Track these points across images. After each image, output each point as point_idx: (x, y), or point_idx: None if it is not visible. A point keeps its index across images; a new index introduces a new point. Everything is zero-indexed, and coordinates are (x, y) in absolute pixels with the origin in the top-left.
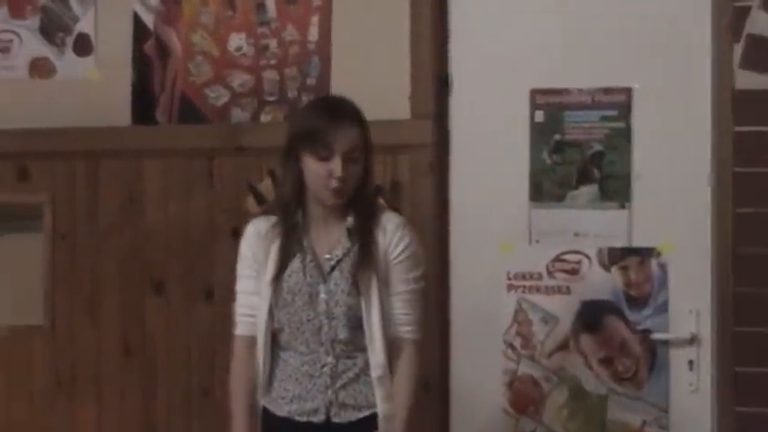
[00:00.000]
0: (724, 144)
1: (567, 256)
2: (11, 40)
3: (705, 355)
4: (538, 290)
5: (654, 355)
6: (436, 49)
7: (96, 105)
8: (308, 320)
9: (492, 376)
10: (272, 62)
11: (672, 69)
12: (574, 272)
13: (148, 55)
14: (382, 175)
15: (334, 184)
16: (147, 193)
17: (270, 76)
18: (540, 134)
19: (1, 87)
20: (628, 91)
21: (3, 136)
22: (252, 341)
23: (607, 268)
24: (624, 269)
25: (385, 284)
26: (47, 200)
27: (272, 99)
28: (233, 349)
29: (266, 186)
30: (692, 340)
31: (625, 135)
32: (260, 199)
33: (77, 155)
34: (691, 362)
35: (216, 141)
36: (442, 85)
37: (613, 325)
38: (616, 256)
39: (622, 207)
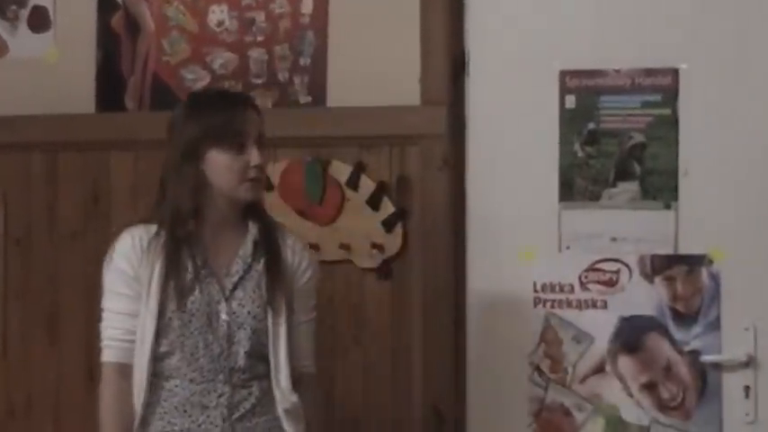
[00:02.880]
0: None
1: (602, 265)
2: None
3: (764, 379)
4: (569, 304)
5: (704, 379)
6: (450, 23)
7: (55, 89)
8: (206, 345)
9: (516, 405)
10: (260, 39)
11: (725, 48)
12: (611, 283)
13: (116, 31)
14: (388, 171)
15: (252, 173)
16: (115, 192)
17: (256, 55)
18: (571, 123)
19: None
20: (674, 72)
21: None
22: (126, 369)
23: (650, 279)
24: (670, 280)
25: (290, 309)
26: None
27: (259, 82)
28: (102, 378)
29: None
30: (749, 363)
31: (670, 124)
32: None
33: (33, 147)
34: (747, 388)
35: None
36: (458, 65)
37: (657, 345)
38: (660, 265)
39: (667, 207)
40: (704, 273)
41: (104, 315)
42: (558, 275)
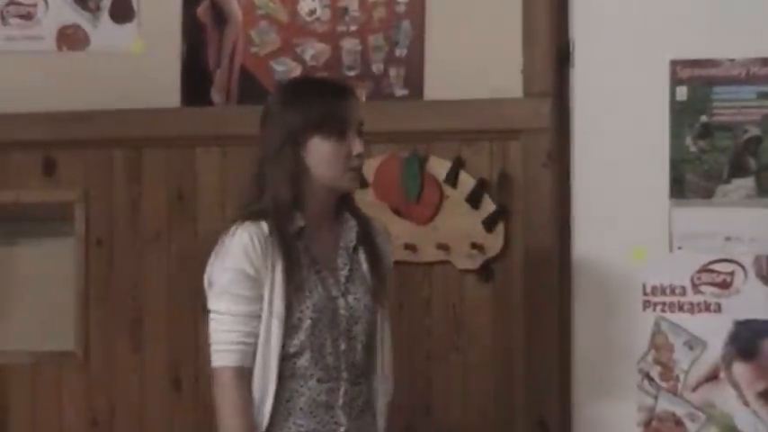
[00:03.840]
0: None
1: (716, 266)
2: (35, 5)
3: None
4: (680, 307)
5: None
6: (554, 10)
7: (138, 83)
8: (332, 343)
9: (624, 415)
10: (353, 28)
11: None
12: (725, 285)
13: (202, 21)
14: (488, 167)
15: (355, 162)
16: (201, 190)
17: (350, 45)
18: (682, 115)
19: (23, 62)
20: None
21: (25, 121)
22: (245, 373)
23: (766, 281)
24: None
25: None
26: (78, 198)
27: (352, 74)
28: (223, 384)
29: None
30: None
31: None
32: None
33: (115, 143)
34: None
35: None
36: (562, 55)
37: None
38: None
39: None
40: None
41: (219, 318)
42: (669, 277)
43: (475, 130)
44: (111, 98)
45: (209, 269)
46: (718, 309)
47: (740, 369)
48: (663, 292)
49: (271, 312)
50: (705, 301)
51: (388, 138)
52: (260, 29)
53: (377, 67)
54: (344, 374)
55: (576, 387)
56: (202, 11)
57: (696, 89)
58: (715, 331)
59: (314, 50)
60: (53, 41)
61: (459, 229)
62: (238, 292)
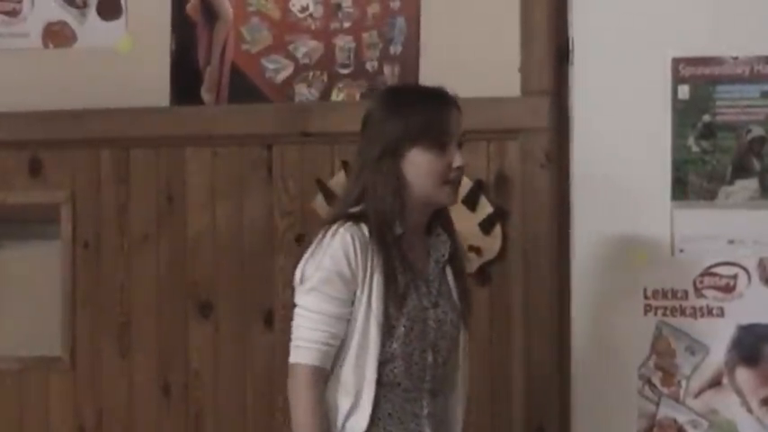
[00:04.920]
0: None
1: (719, 270)
2: (20, 1)
3: None
4: (682, 312)
5: None
6: (553, 8)
7: (126, 81)
8: (421, 353)
9: (625, 422)
10: (346, 25)
11: None
12: (728, 289)
13: (191, 18)
14: (485, 168)
15: (454, 175)
16: (191, 191)
17: (343, 42)
18: (684, 115)
19: (8, 59)
20: None
21: (10, 120)
22: (324, 374)
23: None
24: None
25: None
26: (65, 199)
27: (345, 72)
28: (298, 382)
29: (339, 181)
30: None
31: None
32: (331, 197)
33: (103, 143)
34: None
35: (276, 125)
36: (561, 53)
37: None
38: None
39: None
40: None
41: (306, 314)
42: (671, 281)
43: (471, 129)
44: (99, 97)
45: (302, 264)
46: (721, 313)
47: (743, 375)
48: (664, 296)
49: (368, 317)
50: (708, 306)
51: None
52: (251, 26)
53: (371, 65)
54: (427, 386)
55: (576, 393)
56: (192, 7)
57: (699, 88)
58: (718, 336)
59: (306, 48)
60: (39, 39)
61: (457, 231)
62: (331, 293)
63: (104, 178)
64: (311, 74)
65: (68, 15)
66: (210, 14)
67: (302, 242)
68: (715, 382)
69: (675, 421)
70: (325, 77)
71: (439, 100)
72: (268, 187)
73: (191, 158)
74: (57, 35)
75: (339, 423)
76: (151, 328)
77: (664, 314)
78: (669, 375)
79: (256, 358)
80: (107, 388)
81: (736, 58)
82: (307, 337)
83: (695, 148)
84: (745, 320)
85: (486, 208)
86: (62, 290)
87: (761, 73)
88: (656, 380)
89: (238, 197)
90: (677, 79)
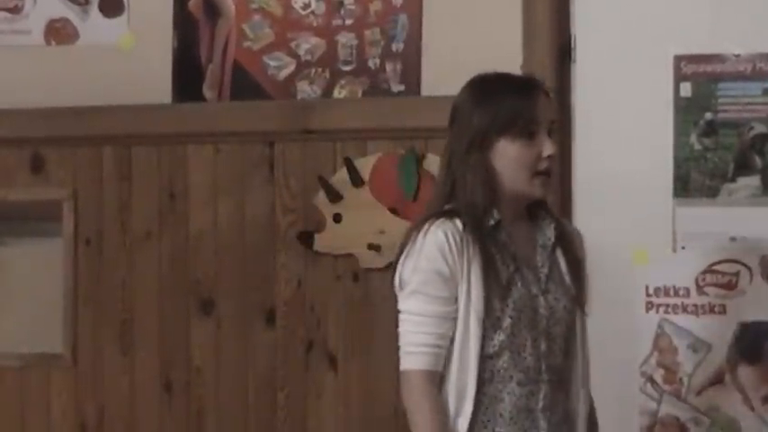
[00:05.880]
0: None
1: (721, 267)
2: None
3: None
4: (684, 309)
5: None
6: (555, 5)
7: (128, 78)
8: (533, 343)
9: (626, 419)
10: (348, 22)
11: None
12: (730, 286)
13: (194, 15)
14: None
15: (544, 165)
16: (193, 188)
17: (345, 39)
18: (686, 112)
19: (10, 56)
20: None
21: (12, 117)
22: (436, 377)
23: None
24: None
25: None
26: (67, 196)
27: (347, 69)
28: (412, 388)
29: (341, 179)
30: None
31: None
32: (333, 195)
33: (105, 140)
34: None
35: (278, 122)
36: (563, 51)
37: None
38: None
39: None
40: None
41: (410, 318)
42: (673, 278)
43: None
44: (101, 94)
45: (399, 268)
46: (723, 310)
47: (745, 372)
48: (666, 294)
49: (468, 311)
50: (710, 303)
51: (384, 135)
52: (253, 23)
53: (373, 62)
54: (545, 376)
55: None
56: (194, 4)
57: (701, 85)
58: (720, 333)
59: (309, 45)
60: (41, 35)
61: None
62: (432, 293)
63: (106, 175)
64: (313, 71)
65: (71, 12)
66: (212, 11)
67: (304, 240)
68: (717, 380)
69: (677, 419)
70: (327, 75)
71: (526, 87)
72: (270, 184)
73: (193, 155)
74: (59, 32)
75: (450, 423)
76: (153, 326)
77: (665, 312)
78: (671, 373)
79: (258, 356)
80: (109, 385)
81: (738, 56)
82: (414, 341)
83: (697, 146)
84: (747, 318)
85: None
86: (64, 287)
87: (763, 70)
88: (657, 377)
89: (240, 194)
90: (679, 77)
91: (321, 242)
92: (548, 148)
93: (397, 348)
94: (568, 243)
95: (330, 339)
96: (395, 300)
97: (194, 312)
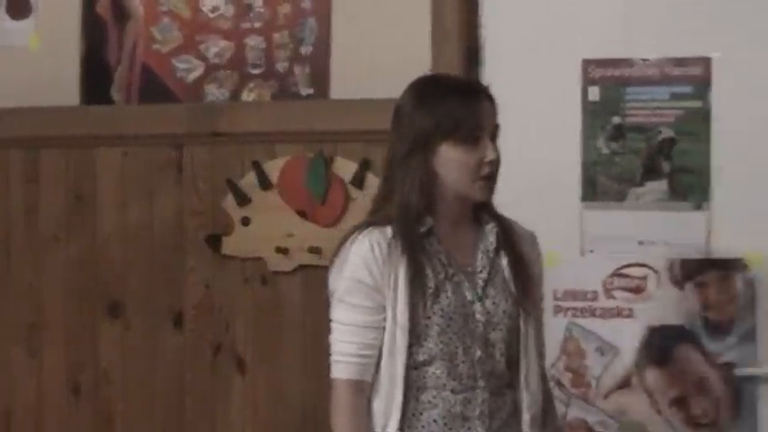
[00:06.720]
0: None
1: (628, 271)
2: None
3: None
4: (592, 313)
5: (738, 394)
6: (464, 8)
7: (36, 80)
8: (465, 350)
9: None
10: (257, 25)
11: (762, 35)
12: (638, 290)
13: (102, 17)
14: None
15: (486, 170)
16: (101, 191)
17: (254, 42)
18: (594, 116)
19: None
20: (706, 62)
21: None
22: (361, 386)
23: (680, 285)
24: (701, 287)
25: (535, 306)
26: None
27: (256, 72)
28: (337, 397)
29: (249, 182)
30: None
31: (702, 117)
32: (241, 198)
33: (12, 142)
34: None
35: (186, 125)
36: (471, 54)
37: (687, 357)
38: (691, 271)
39: (698, 208)
40: (739, 279)
41: (337, 327)
42: (581, 282)
43: (382, 130)
44: (8, 96)
45: (329, 277)
46: (631, 314)
47: (653, 376)
48: (574, 297)
49: (395, 320)
50: (617, 307)
51: (292, 138)
52: (162, 25)
53: (281, 66)
54: (481, 383)
55: None
56: (102, 6)
57: (609, 89)
58: (627, 337)
59: (217, 48)
60: None
61: None
62: (356, 302)
63: (13, 178)
64: (222, 74)
65: None
66: (121, 14)
67: (212, 243)
68: (624, 384)
69: (585, 422)
70: (235, 78)
71: (470, 92)
72: (178, 187)
73: (101, 158)
74: None
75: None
76: (60, 328)
77: (574, 315)
78: (579, 376)
79: (166, 359)
80: (16, 388)
81: (646, 60)
82: (340, 350)
83: (605, 150)
84: (655, 322)
85: None
86: None
87: (670, 75)
88: (565, 381)
89: (148, 197)
90: (587, 80)
91: (229, 245)
92: (490, 154)
93: (305, 352)
94: (513, 247)
95: (238, 343)
96: (303, 303)
97: (102, 315)
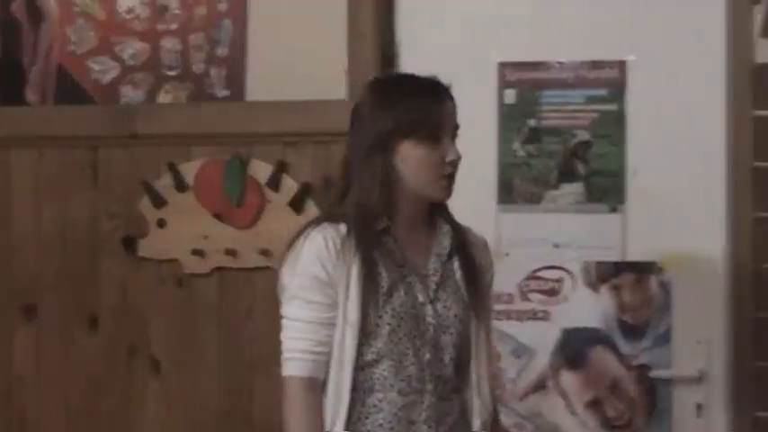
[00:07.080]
0: (741, 132)
1: (544, 273)
2: None
3: (717, 396)
4: (508, 315)
5: (653, 396)
6: (380, 11)
7: None
8: (415, 352)
9: None
10: (173, 27)
11: (676, 38)
12: (553, 293)
13: (16, 18)
14: (312, 171)
15: (447, 170)
16: (15, 193)
17: (170, 44)
18: (510, 119)
19: None
20: (621, 65)
21: None
22: (315, 384)
23: (595, 288)
24: (616, 289)
25: (486, 312)
26: None
27: (172, 74)
28: (289, 395)
29: (165, 184)
30: (701, 378)
31: (618, 120)
32: (157, 200)
33: None
34: (699, 405)
35: (102, 127)
36: (388, 56)
37: (603, 359)
38: (606, 273)
39: (614, 211)
40: (654, 281)
41: (288, 324)
42: (496, 284)
43: (298, 132)
44: None
45: (281, 272)
46: (546, 317)
47: (568, 378)
48: None
49: (345, 318)
50: (533, 309)
51: (208, 140)
52: (77, 27)
53: (197, 67)
54: (429, 387)
55: None
56: (17, 7)
57: (525, 92)
58: (543, 339)
59: (133, 50)
60: None
61: (282, 234)
62: (309, 298)
63: None
64: (138, 75)
65: None
66: (36, 15)
67: (128, 245)
68: (540, 386)
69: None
70: (151, 79)
71: (431, 91)
72: (94, 189)
73: (15, 160)
74: None
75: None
76: None
77: None
78: (494, 379)
79: (81, 362)
80: None
81: (561, 64)
82: (291, 347)
83: (521, 153)
84: (570, 324)
85: (312, 211)
86: None
87: (585, 78)
88: None
89: (63, 199)
90: (503, 83)
91: (145, 247)
92: (451, 153)
93: (220, 353)
94: (466, 252)
95: (154, 345)
96: (219, 305)
97: (16, 318)
